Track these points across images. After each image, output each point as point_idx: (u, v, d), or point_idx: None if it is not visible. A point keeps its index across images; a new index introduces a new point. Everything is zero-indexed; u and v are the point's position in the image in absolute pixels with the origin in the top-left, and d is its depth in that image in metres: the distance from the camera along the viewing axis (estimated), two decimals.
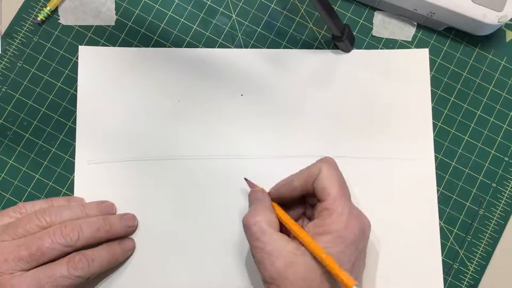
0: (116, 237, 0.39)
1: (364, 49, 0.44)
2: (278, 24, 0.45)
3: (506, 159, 0.43)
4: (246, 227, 0.35)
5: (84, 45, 0.44)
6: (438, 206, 0.42)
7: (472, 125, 0.44)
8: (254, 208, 0.36)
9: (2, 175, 0.42)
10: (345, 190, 0.35)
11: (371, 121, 0.43)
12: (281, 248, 0.33)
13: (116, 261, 0.39)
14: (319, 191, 0.35)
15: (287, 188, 0.37)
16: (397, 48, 0.44)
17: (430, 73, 0.44)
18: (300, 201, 0.38)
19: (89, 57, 0.43)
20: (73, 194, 0.42)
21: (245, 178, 0.40)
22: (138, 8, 0.45)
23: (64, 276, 0.35)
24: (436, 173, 0.43)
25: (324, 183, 0.34)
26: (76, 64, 0.43)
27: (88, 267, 0.36)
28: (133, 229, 0.40)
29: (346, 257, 0.33)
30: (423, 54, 0.44)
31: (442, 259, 0.41)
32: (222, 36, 0.44)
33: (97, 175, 0.42)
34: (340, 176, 0.35)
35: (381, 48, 0.44)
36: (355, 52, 0.44)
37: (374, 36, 0.44)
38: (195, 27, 0.44)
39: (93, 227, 0.37)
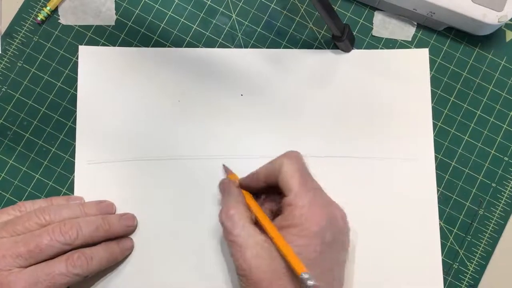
0: (115, 237, 0.39)
1: (364, 49, 0.44)
2: (278, 24, 0.45)
3: (506, 159, 0.43)
4: (221, 224, 0.35)
5: (84, 45, 0.44)
6: (438, 206, 0.42)
7: (472, 125, 0.44)
8: (225, 203, 0.36)
9: (2, 175, 0.42)
10: (307, 183, 0.35)
11: (371, 121, 0.43)
12: (250, 240, 0.33)
13: (114, 260, 0.39)
14: (282, 187, 0.35)
15: (252, 180, 0.37)
16: (397, 48, 0.44)
17: (430, 73, 0.44)
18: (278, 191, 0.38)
19: (89, 57, 0.43)
20: (73, 194, 0.42)
21: (223, 164, 0.40)
22: (138, 8, 0.45)
23: (62, 274, 0.35)
24: (436, 173, 0.43)
25: (285, 178, 0.35)
26: (76, 64, 0.43)
27: (86, 265, 0.36)
28: (132, 228, 0.40)
29: (310, 248, 0.33)
30: (423, 54, 0.44)
31: (442, 259, 0.41)
32: (222, 36, 0.44)
33: (97, 175, 0.42)
34: (301, 169, 0.35)
35: (381, 48, 0.44)
36: (355, 52, 0.44)
37: (374, 36, 0.45)
38: (195, 27, 0.44)
39: (92, 226, 0.37)
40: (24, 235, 0.36)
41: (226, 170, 0.41)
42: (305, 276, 0.30)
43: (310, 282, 0.30)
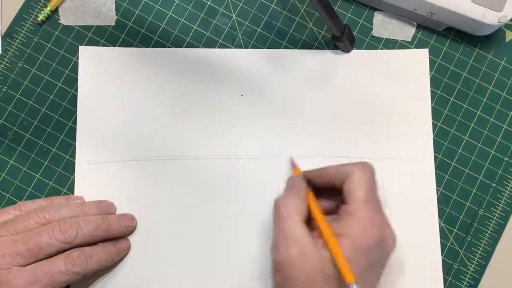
0: (114, 237, 0.39)
1: (364, 49, 0.44)
2: (278, 24, 0.45)
3: (506, 159, 0.43)
4: (275, 206, 0.35)
5: (84, 45, 0.44)
6: (438, 206, 0.42)
7: (472, 125, 0.44)
8: (288, 193, 0.36)
9: (3, 175, 0.43)
10: (372, 198, 0.35)
11: (371, 121, 0.43)
12: (300, 237, 0.33)
13: (112, 260, 0.39)
14: (345, 193, 0.35)
15: (317, 175, 0.37)
16: (397, 48, 0.44)
17: (430, 73, 0.44)
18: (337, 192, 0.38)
19: (89, 57, 0.43)
20: (73, 194, 0.42)
21: (290, 158, 0.41)
22: (138, 8, 0.45)
23: (61, 272, 0.35)
24: (436, 173, 0.43)
25: (352, 186, 0.34)
26: (76, 64, 0.43)
27: (86, 264, 0.36)
28: (131, 229, 0.40)
29: (355, 263, 0.32)
30: (423, 54, 0.44)
31: (442, 259, 0.42)
32: (222, 36, 0.44)
33: (97, 175, 0.42)
34: (370, 183, 0.35)
35: (381, 48, 0.44)
36: (355, 52, 0.44)
37: (374, 36, 0.45)
38: (195, 27, 0.45)
39: (91, 225, 0.37)
40: (23, 234, 0.36)
41: (293, 164, 0.41)
42: (354, 286, 0.31)
43: None
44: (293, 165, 0.41)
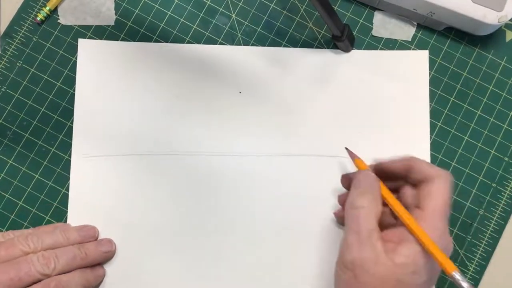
0: (93, 264, 0.40)
1: (364, 49, 0.44)
2: (278, 24, 0.45)
3: (506, 159, 0.43)
4: (350, 205, 0.35)
5: None
6: None
7: (472, 125, 0.44)
8: (362, 192, 0.35)
9: (2, 175, 0.42)
10: (447, 212, 0.34)
11: (369, 121, 0.43)
12: (375, 242, 0.33)
13: (89, 286, 0.39)
14: (422, 196, 0.35)
15: (390, 167, 0.37)
16: (397, 48, 0.44)
17: (430, 73, 0.44)
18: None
19: (88, 51, 0.43)
20: (69, 191, 0.42)
21: (346, 148, 0.40)
22: (138, 8, 0.45)
23: None
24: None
25: (432, 194, 0.34)
26: (75, 64, 0.43)
27: None
28: (110, 254, 0.41)
29: (420, 269, 0.33)
30: (423, 56, 0.44)
31: None
32: (222, 36, 0.44)
33: (92, 169, 0.42)
34: (449, 195, 0.35)
35: (381, 48, 0.44)
36: (354, 52, 0.44)
37: (374, 36, 0.44)
38: (195, 27, 0.44)
39: (69, 255, 0.38)
40: (6, 263, 0.37)
41: (351, 155, 0.39)
42: (457, 275, 0.31)
43: (464, 284, 0.31)
44: (354, 157, 0.39)
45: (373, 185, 0.36)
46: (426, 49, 0.44)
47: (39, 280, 0.37)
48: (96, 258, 0.40)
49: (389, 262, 0.32)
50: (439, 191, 0.34)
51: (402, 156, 0.37)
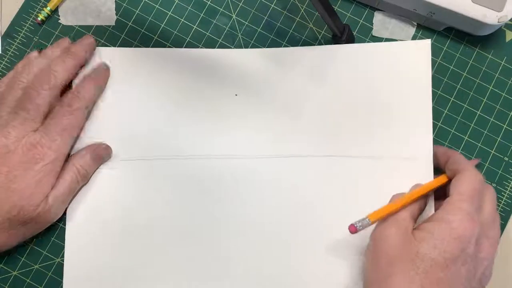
0: (84, 60, 0.42)
1: None
2: (278, 24, 0.45)
3: (506, 159, 0.43)
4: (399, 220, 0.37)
5: None
6: None
7: (472, 125, 0.44)
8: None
9: None
10: (477, 198, 0.36)
11: (370, 118, 0.42)
12: (406, 227, 0.36)
13: (103, 81, 0.42)
14: (452, 186, 0.37)
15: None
16: None
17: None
18: None
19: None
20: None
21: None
22: (138, 8, 0.45)
23: (66, 114, 0.39)
24: (437, 173, 0.42)
25: (460, 181, 0.36)
26: None
27: (81, 96, 0.40)
28: (92, 45, 0.42)
29: (448, 248, 0.34)
30: (425, 45, 0.43)
31: None
32: (222, 36, 0.44)
33: (94, 175, 0.42)
34: (479, 185, 0.36)
35: None
36: (354, 46, 0.43)
37: (374, 36, 0.45)
38: (195, 27, 0.45)
39: (60, 62, 0.40)
40: (17, 104, 0.38)
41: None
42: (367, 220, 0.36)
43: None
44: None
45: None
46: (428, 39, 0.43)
47: (53, 98, 0.39)
48: (83, 51, 0.41)
49: (411, 244, 0.34)
50: (468, 178, 0.36)
51: (443, 147, 0.41)
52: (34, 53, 0.41)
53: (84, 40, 0.42)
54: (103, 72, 0.42)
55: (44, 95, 0.38)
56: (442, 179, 0.39)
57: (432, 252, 0.33)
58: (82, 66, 0.42)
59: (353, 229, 0.35)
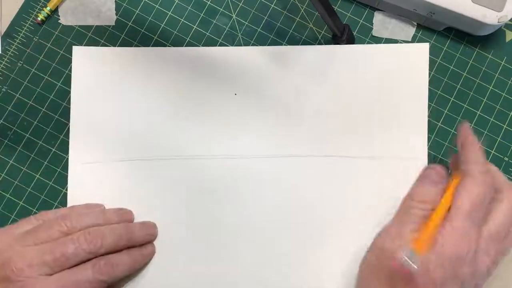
0: (137, 244, 0.39)
1: None
2: (278, 24, 0.45)
3: (506, 159, 0.43)
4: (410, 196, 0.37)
5: (84, 45, 0.44)
6: None
7: (472, 125, 0.44)
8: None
9: (3, 175, 0.42)
10: (476, 213, 0.34)
11: (370, 119, 0.42)
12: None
13: (137, 266, 0.39)
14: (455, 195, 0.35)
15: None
16: None
17: (430, 73, 0.44)
18: None
19: (83, 57, 0.43)
20: (67, 195, 0.42)
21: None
22: (138, 8, 0.45)
23: (88, 281, 0.35)
24: None
25: (460, 191, 0.34)
26: None
27: (112, 272, 0.36)
28: (153, 237, 0.41)
29: (438, 268, 0.33)
30: (423, 49, 0.43)
31: None
32: (222, 36, 0.44)
33: (91, 175, 0.42)
34: (481, 196, 0.34)
35: None
36: (352, 47, 0.43)
37: (374, 36, 0.45)
38: (195, 27, 0.45)
39: (115, 235, 0.37)
40: (49, 244, 0.36)
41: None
42: (407, 252, 0.33)
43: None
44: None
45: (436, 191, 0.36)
46: (427, 43, 0.44)
47: (86, 259, 0.36)
48: (140, 239, 0.39)
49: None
50: (468, 188, 0.34)
51: (466, 136, 0.38)
52: None
53: (148, 230, 0.40)
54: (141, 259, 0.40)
55: (79, 254, 0.36)
56: (455, 183, 0.37)
57: (425, 274, 0.33)
58: None
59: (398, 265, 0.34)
